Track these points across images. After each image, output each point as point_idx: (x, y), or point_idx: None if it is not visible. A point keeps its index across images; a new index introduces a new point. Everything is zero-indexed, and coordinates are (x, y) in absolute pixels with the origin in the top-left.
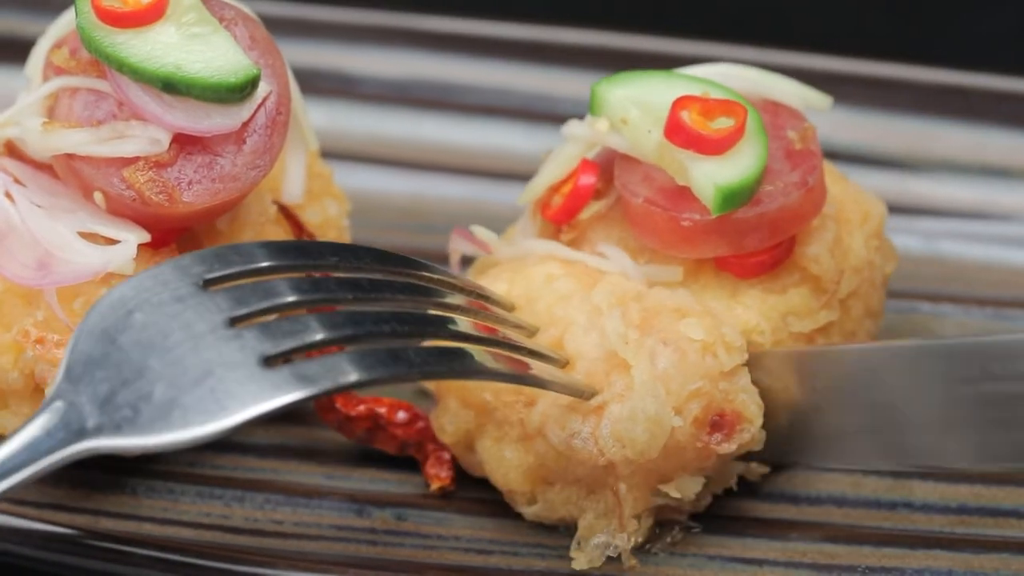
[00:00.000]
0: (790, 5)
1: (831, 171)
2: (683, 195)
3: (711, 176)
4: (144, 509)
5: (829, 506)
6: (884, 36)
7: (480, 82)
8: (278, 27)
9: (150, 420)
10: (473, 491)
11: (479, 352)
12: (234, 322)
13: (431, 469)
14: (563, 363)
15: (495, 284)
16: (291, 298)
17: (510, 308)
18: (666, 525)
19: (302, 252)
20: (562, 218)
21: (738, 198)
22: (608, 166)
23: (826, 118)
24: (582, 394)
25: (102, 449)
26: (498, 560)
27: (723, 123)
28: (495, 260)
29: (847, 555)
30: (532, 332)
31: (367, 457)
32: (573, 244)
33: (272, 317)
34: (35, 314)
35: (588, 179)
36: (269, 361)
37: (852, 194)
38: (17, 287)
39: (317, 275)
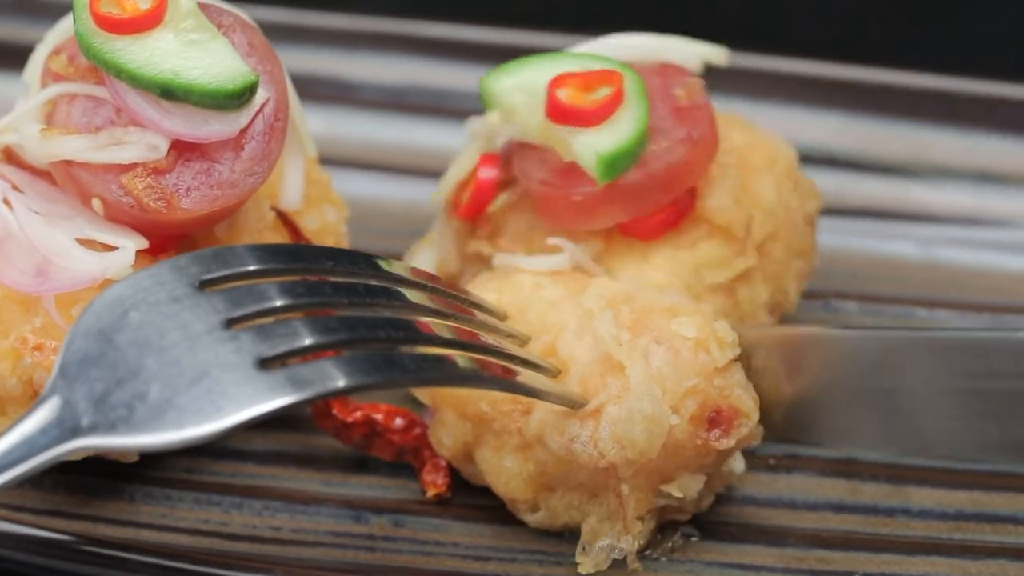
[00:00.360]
0: (787, 10)
1: (734, 120)
2: (573, 171)
3: (592, 146)
4: (142, 515)
5: (827, 512)
6: (881, 40)
7: (476, 88)
8: (276, 33)
9: (145, 420)
10: (471, 497)
11: (472, 360)
12: (230, 323)
13: (427, 476)
14: (555, 373)
15: (484, 293)
16: (288, 301)
17: (503, 317)
18: (667, 528)
19: (298, 256)
20: (472, 214)
21: (620, 164)
22: (511, 157)
23: (821, 124)
24: (574, 404)
25: (96, 447)
26: (496, 566)
27: (601, 93)
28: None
29: (844, 561)
30: (524, 341)
31: (364, 463)
32: (491, 238)
33: (268, 320)
34: (33, 321)
35: (488, 172)
36: (265, 364)
37: (758, 140)
38: (15, 294)
39: (313, 279)
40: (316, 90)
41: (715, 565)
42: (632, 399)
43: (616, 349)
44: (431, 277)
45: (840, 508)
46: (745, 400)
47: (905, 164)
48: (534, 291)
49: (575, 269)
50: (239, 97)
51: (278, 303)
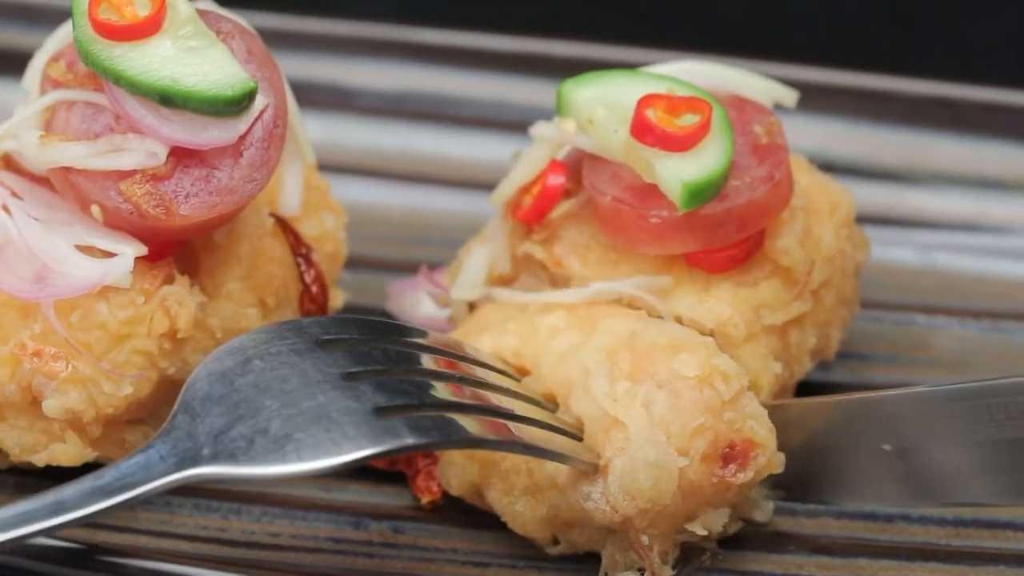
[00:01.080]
0: (786, 15)
1: (800, 163)
2: (651, 192)
3: (677, 173)
4: (141, 522)
5: (826, 518)
6: (881, 45)
7: (475, 95)
8: (275, 40)
9: (264, 452)
10: (470, 503)
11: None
12: (349, 377)
13: (421, 483)
14: (580, 438)
15: (504, 337)
16: (405, 364)
17: (519, 379)
18: (692, 552)
19: (397, 331)
20: (532, 219)
21: (705, 194)
22: (577, 166)
23: (820, 130)
24: (593, 467)
25: (215, 476)
26: (495, 573)
27: (688, 120)
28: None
29: (844, 567)
30: (554, 409)
31: (363, 470)
32: (545, 244)
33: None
34: (32, 327)
35: (556, 179)
36: (382, 412)
37: (821, 185)
38: (14, 300)
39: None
40: (315, 96)
41: (713, 572)
42: (633, 448)
43: (611, 406)
44: (478, 353)
45: (839, 514)
46: (759, 430)
47: (904, 170)
48: (548, 339)
49: (618, 302)
50: (238, 104)
51: (397, 365)
